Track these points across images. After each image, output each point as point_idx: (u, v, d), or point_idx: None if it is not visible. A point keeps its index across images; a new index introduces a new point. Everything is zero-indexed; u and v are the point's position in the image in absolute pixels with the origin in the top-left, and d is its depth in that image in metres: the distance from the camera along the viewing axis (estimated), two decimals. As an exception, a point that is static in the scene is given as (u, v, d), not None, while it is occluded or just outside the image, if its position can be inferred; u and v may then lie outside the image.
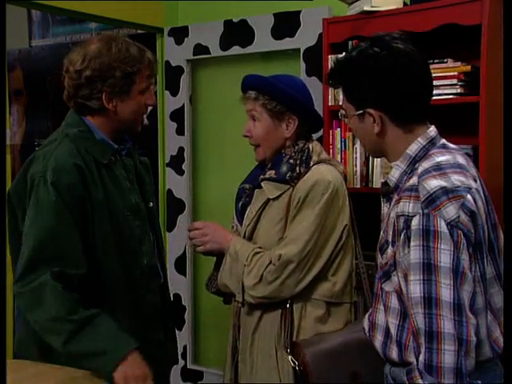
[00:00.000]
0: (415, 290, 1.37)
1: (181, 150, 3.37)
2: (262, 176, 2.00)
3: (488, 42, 2.21)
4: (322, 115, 2.55)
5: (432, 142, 1.52)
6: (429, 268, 1.36)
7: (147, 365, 1.64)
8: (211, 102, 3.37)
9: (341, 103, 1.65)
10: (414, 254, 1.37)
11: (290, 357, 1.88)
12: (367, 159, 2.53)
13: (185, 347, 3.38)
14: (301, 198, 1.91)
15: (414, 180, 1.45)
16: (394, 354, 1.51)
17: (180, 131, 3.37)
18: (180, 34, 3.30)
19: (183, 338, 3.35)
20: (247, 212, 2.03)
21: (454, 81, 2.28)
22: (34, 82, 4.17)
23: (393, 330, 1.50)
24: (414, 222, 1.38)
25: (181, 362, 3.41)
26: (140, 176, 1.92)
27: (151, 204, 1.93)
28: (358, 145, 2.53)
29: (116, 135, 1.83)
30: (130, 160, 1.88)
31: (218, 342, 3.36)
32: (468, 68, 2.30)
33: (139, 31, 3.50)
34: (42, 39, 4.14)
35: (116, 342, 1.61)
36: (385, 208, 1.62)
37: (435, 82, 2.26)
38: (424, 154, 1.50)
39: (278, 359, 1.94)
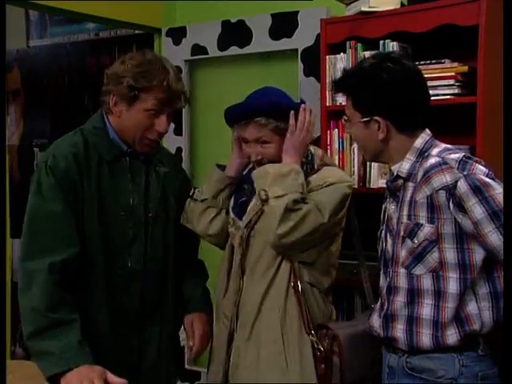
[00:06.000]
0: (495, 239, 1.53)
1: (179, 150, 3.37)
2: None
3: (485, 43, 2.21)
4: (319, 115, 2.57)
5: (432, 138, 1.72)
6: (495, 215, 1.52)
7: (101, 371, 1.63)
8: (209, 103, 3.37)
9: (345, 110, 1.76)
10: (477, 210, 1.53)
11: (314, 339, 1.91)
12: (364, 159, 2.53)
13: (182, 347, 3.37)
14: (325, 182, 1.90)
15: (434, 159, 1.62)
16: (423, 338, 1.63)
17: (178, 132, 3.37)
18: (178, 34, 3.30)
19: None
20: (250, 207, 2.01)
21: (452, 81, 2.29)
22: (32, 82, 4.16)
23: (427, 311, 1.62)
24: (461, 185, 1.54)
25: (179, 362, 3.40)
26: (149, 185, 1.95)
27: (151, 214, 1.94)
28: (355, 145, 2.53)
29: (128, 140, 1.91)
30: (140, 164, 1.92)
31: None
32: (465, 68, 2.30)
33: (137, 31, 3.50)
34: (40, 39, 4.13)
35: (72, 353, 1.65)
36: (392, 206, 1.73)
37: (433, 83, 2.29)
38: (429, 146, 1.68)
39: (284, 343, 1.93)
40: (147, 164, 1.95)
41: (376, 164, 2.47)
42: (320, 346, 1.89)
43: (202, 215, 2.06)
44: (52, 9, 2.92)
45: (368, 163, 2.52)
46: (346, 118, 1.75)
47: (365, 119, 1.67)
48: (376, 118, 1.65)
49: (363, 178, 2.53)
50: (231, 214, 2.07)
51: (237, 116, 2.01)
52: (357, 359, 1.91)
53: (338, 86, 1.79)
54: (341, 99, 2.56)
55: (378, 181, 2.48)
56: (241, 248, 1.99)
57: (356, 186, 2.52)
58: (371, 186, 2.51)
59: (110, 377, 1.61)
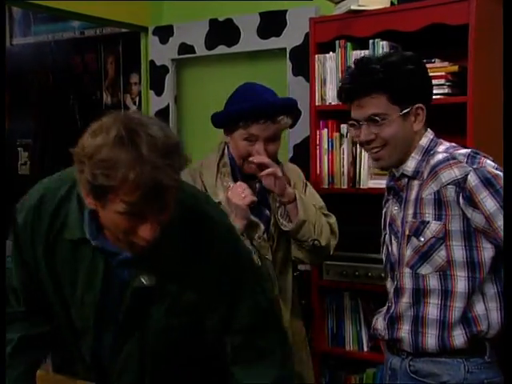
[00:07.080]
0: None
1: (165, 150, 3.34)
2: None
3: (475, 42, 2.20)
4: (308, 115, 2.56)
5: (436, 136, 1.70)
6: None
7: None
8: (196, 102, 3.35)
9: (372, 111, 1.63)
10: (489, 203, 1.51)
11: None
12: (354, 159, 2.51)
13: None
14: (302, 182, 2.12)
15: (441, 155, 1.60)
16: (429, 340, 1.59)
17: (165, 131, 3.33)
18: (165, 33, 3.27)
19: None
20: (272, 224, 2.02)
21: (442, 81, 2.28)
22: (16, 80, 4.10)
23: (434, 311, 1.59)
24: (471, 179, 1.53)
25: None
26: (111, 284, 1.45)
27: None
28: (345, 145, 2.52)
29: None
30: (101, 263, 1.41)
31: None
32: (455, 68, 2.30)
33: (123, 30, 3.47)
34: (24, 37, 4.08)
35: None
36: (395, 207, 1.70)
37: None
38: (435, 144, 1.67)
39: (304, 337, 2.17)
40: (126, 266, 1.42)
41: (366, 164, 2.45)
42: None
43: None
44: (36, 6, 2.88)
45: (357, 163, 2.50)
46: (379, 118, 1.62)
47: (405, 110, 1.62)
48: (418, 105, 1.63)
49: (353, 178, 2.51)
50: (261, 227, 1.99)
51: (271, 113, 1.93)
52: None
53: (370, 86, 1.62)
54: (330, 99, 2.54)
55: (367, 181, 2.47)
56: (271, 258, 2.02)
57: (345, 187, 2.52)
58: (361, 187, 2.49)
59: None
